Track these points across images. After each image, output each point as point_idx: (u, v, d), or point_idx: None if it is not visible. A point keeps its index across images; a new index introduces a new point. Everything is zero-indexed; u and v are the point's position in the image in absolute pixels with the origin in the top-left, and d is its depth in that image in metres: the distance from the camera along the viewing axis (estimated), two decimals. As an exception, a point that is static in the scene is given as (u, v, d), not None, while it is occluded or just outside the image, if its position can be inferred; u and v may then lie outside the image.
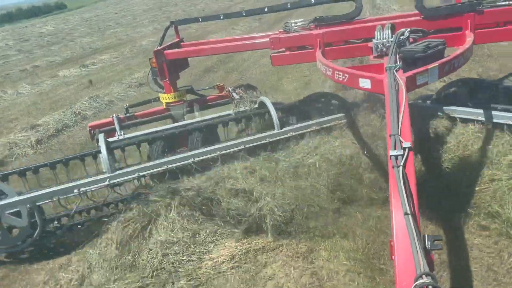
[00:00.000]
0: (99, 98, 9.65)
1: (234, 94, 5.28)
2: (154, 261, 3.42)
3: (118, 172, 4.00)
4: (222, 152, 4.24)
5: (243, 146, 4.30)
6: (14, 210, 3.88)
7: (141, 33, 21.01)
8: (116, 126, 4.86)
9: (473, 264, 2.99)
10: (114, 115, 5.06)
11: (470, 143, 3.68)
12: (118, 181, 3.99)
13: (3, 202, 3.84)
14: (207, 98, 5.61)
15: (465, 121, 3.86)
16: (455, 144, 3.76)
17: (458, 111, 3.91)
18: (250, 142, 4.33)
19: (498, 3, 3.86)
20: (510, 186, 3.24)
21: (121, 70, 13.08)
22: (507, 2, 3.82)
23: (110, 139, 4.38)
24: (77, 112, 8.81)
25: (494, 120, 3.67)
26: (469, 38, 3.65)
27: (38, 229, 3.90)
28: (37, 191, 3.95)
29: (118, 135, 4.60)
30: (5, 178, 4.04)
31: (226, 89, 5.52)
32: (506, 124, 3.61)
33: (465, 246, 3.15)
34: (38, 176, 4.15)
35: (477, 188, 3.40)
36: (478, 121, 3.77)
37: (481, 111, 3.76)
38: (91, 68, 14.20)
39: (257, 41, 4.87)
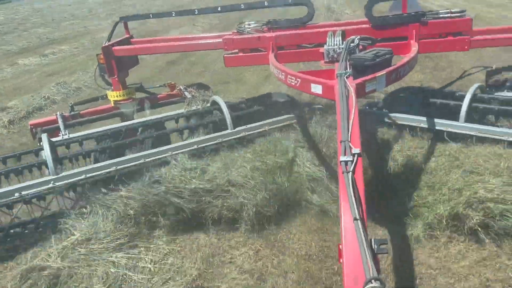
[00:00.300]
0: (66, 84, 9.68)
1: (186, 93, 5.21)
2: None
3: (63, 173, 3.82)
4: (174, 153, 4.16)
5: (195, 146, 4.25)
6: None
7: (99, 26, 20.36)
8: (61, 124, 4.63)
9: (416, 267, 3.14)
10: (58, 113, 4.82)
11: (413, 149, 3.87)
12: (63, 183, 3.81)
13: None
14: (158, 96, 5.49)
15: (409, 128, 4.06)
16: (400, 150, 3.94)
17: (403, 118, 4.10)
18: (202, 142, 4.29)
19: (440, 15, 4.08)
20: (445, 193, 3.40)
21: (83, 60, 12.72)
22: (448, 15, 4.05)
23: (54, 139, 4.17)
24: (46, 96, 8.89)
25: (436, 128, 3.89)
26: (414, 47, 3.84)
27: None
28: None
29: (62, 135, 4.39)
30: None
31: (178, 88, 5.43)
32: (446, 131, 3.84)
33: (409, 250, 3.30)
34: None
35: (418, 194, 3.55)
36: (421, 128, 3.97)
37: (424, 118, 3.97)
38: (51, 57, 14.00)
39: (210, 41, 4.83)
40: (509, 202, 3.09)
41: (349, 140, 2.31)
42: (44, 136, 4.00)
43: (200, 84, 5.46)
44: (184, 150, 4.17)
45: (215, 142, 4.30)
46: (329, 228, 3.63)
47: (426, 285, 2.97)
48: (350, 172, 2.11)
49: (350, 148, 2.25)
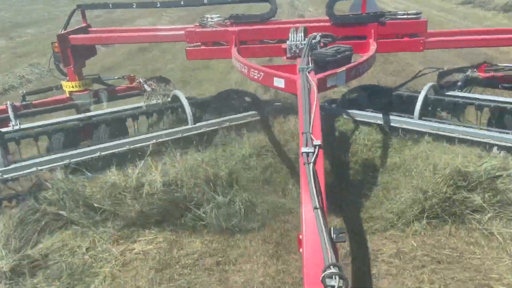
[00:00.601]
0: (39, 65, 9.68)
1: (145, 86, 5.10)
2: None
3: (12, 166, 3.63)
4: (131, 147, 4.06)
5: (154, 140, 4.17)
6: None
7: (64, 12, 19.58)
8: (11, 114, 4.39)
9: (372, 254, 3.24)
10: (8, 103, 4.57)
11: (370, 143, 4.00)
12: (12, 176, 3.62)
13: None
14: (116, 88, 5.33)
15: (366, 124, 4.18)
16: (356, 144, 4.07)
17: (360, 114, 4.22)
18: (162, 136, 4.21)
19: (398, 16, 4.23)
20: (396, 182, 3.59)
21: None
22: (405, 16, 4.20)
23: (3, 129, 3.96)
24: (20, 75, 9.05)
25: (392, 124, 4.03)
26: (373, 46, 3.95)
27: None
28: None
29: (12, 125, 4.17)
30: None
31: (137, 80, 5.31)
32: (401, 128, 3.99)
33: (365, 239, 3.40)
34: None
35: (373, 187, 3.69)
36: (377, 124, 4.11)
37: (380, 115, 4.10)
38: (18, 40, 13.94)
39: (171, 33, 4.76)
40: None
41: (310, 132, 2.34)
42: None
43: (161, 78, 5.37)
44: (143, 144, 4.09)
45: (175, 137, 4.24)
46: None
47: (381, 268, 3.09)
48: (312, 163, 2.14)
49: (312, 139, 2.28)
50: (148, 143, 4.12)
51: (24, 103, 4.75)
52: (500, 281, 2.89)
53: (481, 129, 3.75)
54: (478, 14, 14.96)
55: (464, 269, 3.03)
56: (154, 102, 4.71)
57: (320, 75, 3.01)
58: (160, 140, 4.18)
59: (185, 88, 8.17)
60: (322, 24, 4.36)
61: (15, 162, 3.72)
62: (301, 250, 1.94)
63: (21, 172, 3.65)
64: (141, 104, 4.67)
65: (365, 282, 2.99)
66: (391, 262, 3.14)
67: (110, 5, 4.90)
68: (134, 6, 4.88)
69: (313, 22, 4.55)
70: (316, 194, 1.98)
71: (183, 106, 4.41)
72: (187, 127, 4.34)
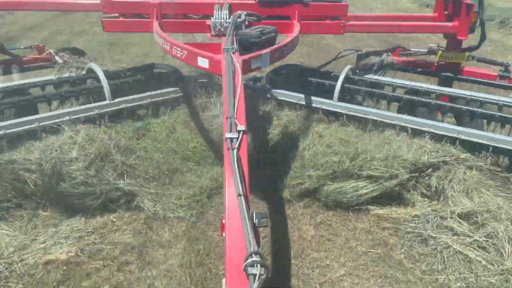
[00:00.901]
0: None
1: (57, 57, 4.68)
2: None
3: None
4: (41, 124, 3.75)
5: (67, 117, 3.88)
6: None
7: None
8: None
9: (291, 235, 3.38)
10: None
11: (291, 125, 4.10)
12: None
13: None
14: (23, 59, 4.84)
15: (289, 104, 4.26)
16: (279, 125, 4.14)
17: (283, 94, 4.29)
18: (76, 113, 3.93)
19: (321, -1, 4.29)
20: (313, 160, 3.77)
21: None
22: (327, -1, 4.28)
23: None
24: None
25: (313, 105, 4.15)
26: (296, 27, 3.99)
27: None
28: None
29: None
30: None
31: (47, 51, 4.85)
32: (321, 109, 4.13)
33: (286, 221, 3.53)
34: None
35: (293, 169, 3.82)
36: (300, 104, 4.20)
37: (302, 95, 4.20)
38: None
39: (86, 1, 4.38)
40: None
41: (235, 116, 2.32)
42: None
43: (75, 49, 4.96)
44: (55, 120, 3.79)
45: (91, 113, 3.99)
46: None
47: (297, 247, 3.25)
48: (235, 149, 2.14)
49: (236, 125, 2.27)
50: (60, 119, 3.83)
51: None
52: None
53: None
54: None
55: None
56: (66, 75, 4.37)
57: (245, 57, 2.99)
58: (75, 116, 3.91)
59: (112, 51, 7.76)
60: (247, 1, 4.29)
61: None
62: (223, 234, 1.96)
63: None
64: (51, 77, 4.31)
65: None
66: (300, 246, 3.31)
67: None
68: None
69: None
70: (240, 180, 1.99)
71: (99, 80, 4.14)
72: (104, 103, 4.09)
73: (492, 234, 3.01)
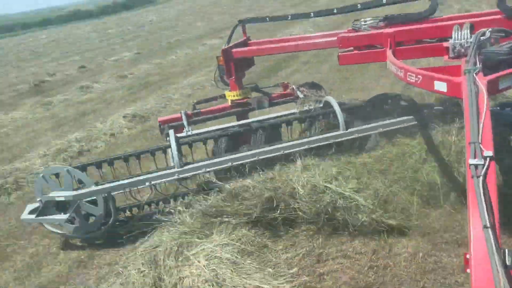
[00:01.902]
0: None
1: (298, 92, 5.27)
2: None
3: (186, 167, 4.16)
4: (285, 152, 4.26)
5: (307, 146, 4.30)
6: (91, 198, 4.18)
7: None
8: (184, 122, 5.04)
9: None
10: (182, 112, 5.25)
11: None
12: (186, 176, 4.16)
13: (82, 191, 4.14)
14: (272, 95, 5.65)
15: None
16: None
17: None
18: (314, 142, 4.31)
19: None
20: None
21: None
22: None
23: (178, 135, 4.56)
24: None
25: None
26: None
27: (112, 217, 4.16)
28: (112, 182, 4.20)
29: (186, 131, 4.78)
30: (84, 168, 4.32)
31: (290, 87, 5.53)
32: None
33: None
34: (113, 167, 4.42)
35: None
36: None
37: None
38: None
39: (324, 39, 4.82)
40: None
41: (479, 141, 2.13)
42: (171, 132, 4.42)
43: (313, 84, 5.48)
44: (296, 149, 4.25)
45: (327, 142, 4.30)
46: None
47: None
48: (481, 177, 1.95)
49: (481, 150, 2.07)
50: (301, 148, 4.27)
51: (194, 111, 5.40)
52: None
53: None
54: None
55: None
56: (306, 108, 4.85)
57: (491, 77, 2.71)
58: (312, 145, 4.30)
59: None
60: (491, 17, 3.89)
61: (187, 163, 4.26)
62: (468, 270, 1.80)
63: (193, 173, 4.17)
64: (294, 110, 4.85)
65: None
66: None
67: (267, 18, 5.22)
68: (289, 19, 5.11)
69: (481, 16, 4.09)
70: (487, 211, 1.81)
71: (335, 112, 4.44)
72: (339, 132, 4.35)
73: None
